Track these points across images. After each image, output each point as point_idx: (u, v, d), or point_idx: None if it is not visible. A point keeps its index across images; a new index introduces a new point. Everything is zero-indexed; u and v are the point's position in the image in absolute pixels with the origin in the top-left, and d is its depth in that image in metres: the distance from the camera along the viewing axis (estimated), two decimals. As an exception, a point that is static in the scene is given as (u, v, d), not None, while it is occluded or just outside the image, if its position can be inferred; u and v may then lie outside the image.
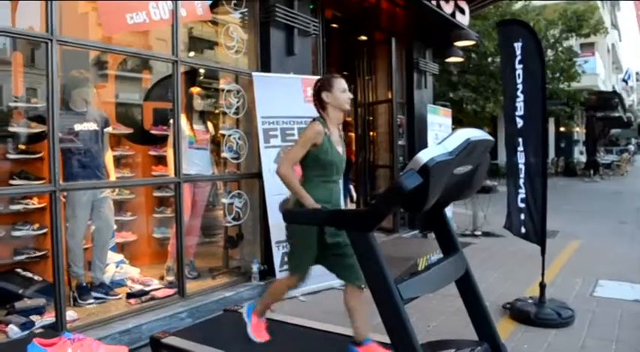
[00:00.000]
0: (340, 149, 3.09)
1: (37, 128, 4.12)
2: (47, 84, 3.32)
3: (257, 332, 3.21)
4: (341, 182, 3.24)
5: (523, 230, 4.35)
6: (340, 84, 3.04)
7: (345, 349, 3.01)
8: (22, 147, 4.23)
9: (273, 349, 3.13)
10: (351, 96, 3.10)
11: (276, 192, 4.35)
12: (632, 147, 40.63)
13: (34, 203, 4.12)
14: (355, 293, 2.96)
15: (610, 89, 27.11)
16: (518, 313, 4.08)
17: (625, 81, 35.35)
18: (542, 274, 4.15)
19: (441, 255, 2.78)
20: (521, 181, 4.32)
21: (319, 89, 3.06)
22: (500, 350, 2.72)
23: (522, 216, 4.34)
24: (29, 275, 4.08)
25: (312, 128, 2.96)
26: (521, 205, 4.33)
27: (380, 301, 2.26)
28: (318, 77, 4.99)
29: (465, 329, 2.81)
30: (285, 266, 4.58)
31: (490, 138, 2.43)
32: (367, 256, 2.30)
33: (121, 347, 1.55)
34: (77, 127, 4.12)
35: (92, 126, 4.22)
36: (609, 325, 3.94)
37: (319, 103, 3.07)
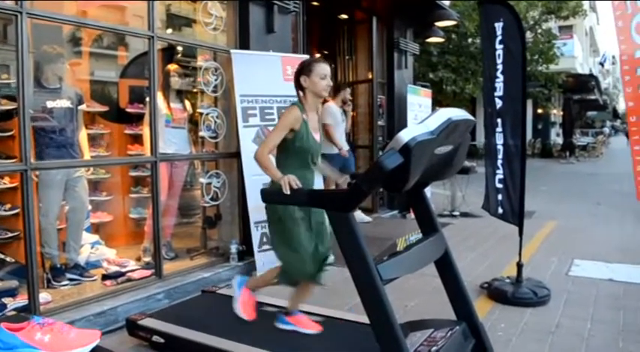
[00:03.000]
0: (317, 136, 3.03)
1: (8, 105, 3.99)
2: (17, 59, 3.20)
3: (245, 308, 3.17)
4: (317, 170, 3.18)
5: (500, 210, 4.38)
6: (321, 69, 2.95)
7: (326, 330, 3.02)
8: (-9, 125, 4.11)
9: (252, 330, 3.11)
10: (330, 83, 3.00)
11: (254, 172, 4.30)
12: (607, 130, 41.31)
13: (6, 183, 4.01)
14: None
15: (587, 72, 27.42)
16: (495, 292, 4.13)
17: (601, 64, 35.72)
18: (520, 254, 4.19)
19: (420, 235, 2.78)
20: (500, 162, 4.33)
21: (298, 72, 2.99)
22: (478, 328, 2.75)
23: (500, 197, 4.36)
24: (1, 256, 3.98)
25: (291, 113, 2.90)
26: (499, 186, 4.36)
27: (359, 281, 2.24)
28: (298, 56, 4.93)
29: (443, 308, 2.82)
30: (265, 247, 4.56)
31: (471, 118, 2.42)
32: (347, 236, 2.28)
33: (94, 330, 1.51)
34: (50, 104, 4.00)
35: (65, 103, 4.10)
36: (584, 304, 4.00)
37: (298, 86, 3.01)
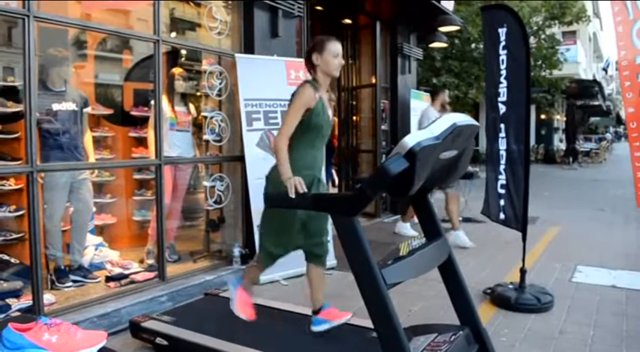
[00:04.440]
0: (330, 113, 3.00)
1: (14, 107, 4.01)
2: (24, 62, 3.22)
3: (243, 308, 3.12)
4: (324, 154, 3.17)
5: (502, 216, 4.37)
6: (333, 47, 2.89)
7: (329, 333, 3.01)
8: (-2, 126, 4.13)
9: (255, 332, 3.11)
10: (342, 62, 2.95)
11: (258, 176, 4.31)
12: (609, 136, 41.20)
13: (11, 184, 4.03)
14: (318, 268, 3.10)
15: (590, 77, 27.39)
16: (498, 298, 4.12)
17: (605, 70, 35.69)
18: (523, 260, 4.18)
19: (423, 240, 2.78)
20: (502, 167, 4.32)
21: (311, 50, 2.95)
22: (481, 334, 2.75)
23: (502, 202, 4.35)
24: (6, 257, 4.00)
25: (305, 92, 2.84)
26: (501, 191, 4.35)
27: (364, 286, 2.25)
28: (302, 60, 4.94)
29: (447, 313, 2.83)
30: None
31: (476, 123, 2.43)
32: (352, 241, 2.29)
33: (100, 331, 1.51)
34: (55, 107, 4.03)
35: (71, 106, 4.13)
36: (588, 310, 3.99)
37: (309, 65, 2.97)
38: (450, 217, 6.37)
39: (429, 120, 6.14)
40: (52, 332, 1.42)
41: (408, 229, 6.80)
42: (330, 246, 4.76)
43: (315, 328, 3.05)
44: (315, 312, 3.10)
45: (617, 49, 5.15)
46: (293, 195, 2.55)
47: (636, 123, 5.13)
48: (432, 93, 6.64)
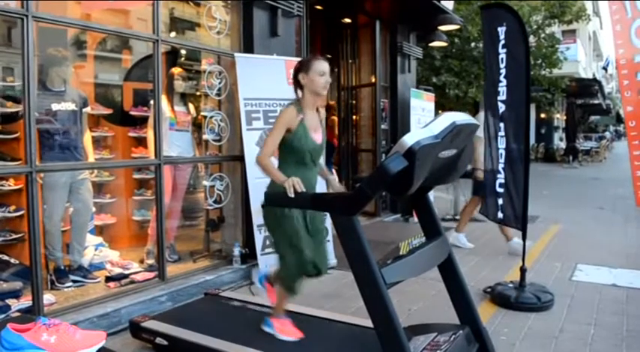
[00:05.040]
0: (317, 135, 2.98)
1: (13, 107, 4.01)
2: (23, 62, 3.22)
3: (284, 331, 3.05)
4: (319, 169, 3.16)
5: (500, 215, 4.37)
6: (319, 66, 2.91)
7: (328, 333, 3.00)
8: (-3, 127, 4.13)
9: (254, 332, 3.11)
10: (329, 80, 2.96)
11: (257, 175, 4.31)
12: (608, 134, 41.18)
13: (10, 184, 4.03)
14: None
15: (590, 76, 27.36)
16: (498, 297, 4.12)
17: (605, 68, 35.66)
18: (523, 258, 4.18)
19: (423, 239, 2.78)
20: (501, 166, 4.32)
21: (297, 70, 2.97)
22: (481, 333, 2.74)
23: (500, 201, 4.35)
24: (5, 258, 3.99)
25: (286, 113, 2.88)
26: (500, 190, 4.34)
27: (363, 285, 2.25)
28: (301, 59, 4.94)
29: (447, 312, 2.82)
30: (268, 250, 4.56)
31: (475, 122, 2.42)
32: (351, 240, 2.29)
33: (99, 332, 1.51)
34: (55, 107, 4.02)
35: (70, 106, 4.12)
36: (588, 309, 3.99)
37: (296, 85, 2.99)
38: (461, 218, 6.32)
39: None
40: (50, 332, 1.42)
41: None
42: (330, 246, 4.79)
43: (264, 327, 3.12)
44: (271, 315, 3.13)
45: (614, 47, 5.15)
46: (292, 195, 2.54)
47: (635, 121, 5.13)
48: None
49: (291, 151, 2.91)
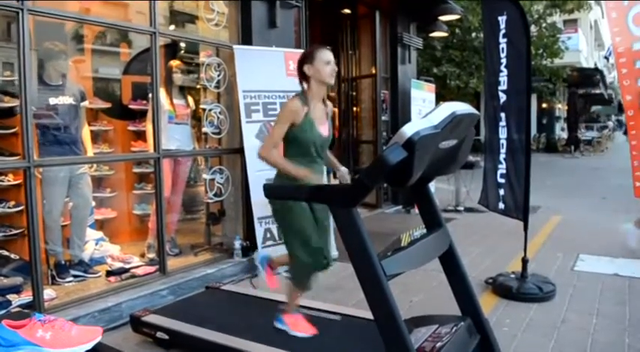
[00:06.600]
0: (323, 128, 2.96)
1: (11, 102, 3.99)
2: (19, 56, 3.20)
3: (297, 326, 3.03)
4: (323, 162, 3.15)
5: (501, 205, 4.35)
6: (324, 55, 2.89)
7: (330, 326, 2.99)
8: (-5, 122, 4.11)
9: (255, 326, 3.10)
10: (335, 68, 2.95)
11: (258, 168, 4.30)
12: (610, 124, 41.01)
13: (9, 180, 4.02)
14: None
15: (592, 66, 27.23)
16: (500, 288, 4.11)
17: (606, 58, 35.36)
18: (525, 249, 4.17)
19: (424, 231, 2.75)
20: (502, 157, 4.29)
21: (301, 62, 2.94)
22: (483, 324, 2.72)
23: (502, 192, 4.33)
24: (5, 253, 4.00)
25: (290, 105, 2.87)
26: (501, 180, 4.32)
27: (363, 277, 2.22)
28: (300, 51, 4.90)
29: (448, 304, 2.81)
30: (269, 242, 4.56)
31: (476, 112, 2.39)
32: (351, 232, 2.26)
33: (95, 327, 1.50)
34: (53, 101, 4.00)
35: (68, 100, 4.10)
36: (590, 299, 3.98)
37: (302, 77, 2.97)
38: None
39: None
40: (46, 328, 1.40)
41: None
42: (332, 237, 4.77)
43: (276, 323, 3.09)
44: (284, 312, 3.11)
45: (610, 34, 5.09)
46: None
47: (633, 111, 5.08)
48: None
49: (296, 144, 2.90)
